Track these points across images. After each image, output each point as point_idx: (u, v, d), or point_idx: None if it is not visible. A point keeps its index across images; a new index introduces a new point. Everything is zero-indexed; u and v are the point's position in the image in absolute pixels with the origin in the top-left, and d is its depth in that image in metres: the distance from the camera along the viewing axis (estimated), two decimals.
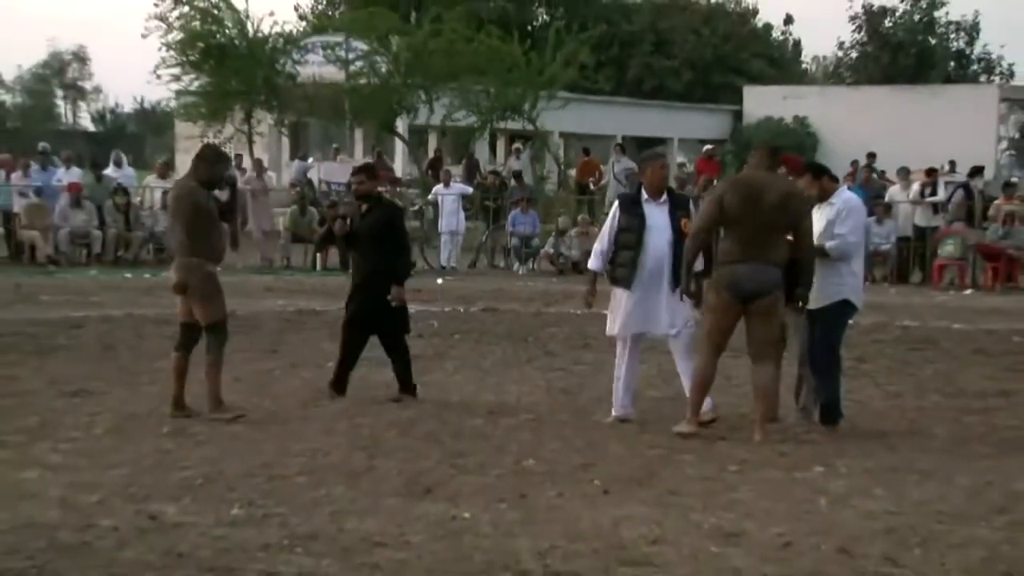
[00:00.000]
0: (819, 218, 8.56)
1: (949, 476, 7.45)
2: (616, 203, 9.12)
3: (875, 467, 7.63)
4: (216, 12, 27.42)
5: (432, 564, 5.58)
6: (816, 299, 8.48)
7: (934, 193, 21.22)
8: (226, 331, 8.80)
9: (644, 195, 8.84)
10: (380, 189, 10.54)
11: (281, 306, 15.40)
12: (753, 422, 8.45)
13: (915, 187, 21.41)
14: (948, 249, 20.33)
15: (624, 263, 8.75)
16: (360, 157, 34.99)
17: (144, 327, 13.10)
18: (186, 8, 27.24)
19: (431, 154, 33.36)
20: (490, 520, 6.29)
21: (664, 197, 8.82)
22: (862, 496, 6.92)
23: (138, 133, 73.00)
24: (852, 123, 36.48)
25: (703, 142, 35.38)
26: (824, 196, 8.68)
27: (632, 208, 8.80)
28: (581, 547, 5.86)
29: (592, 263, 9.21)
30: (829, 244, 8.47)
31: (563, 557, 5.71)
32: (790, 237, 8.28)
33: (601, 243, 9.03)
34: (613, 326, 8.99)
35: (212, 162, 8.87)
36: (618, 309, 8.90)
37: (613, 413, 8.92)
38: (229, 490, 6.76)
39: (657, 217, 8.72)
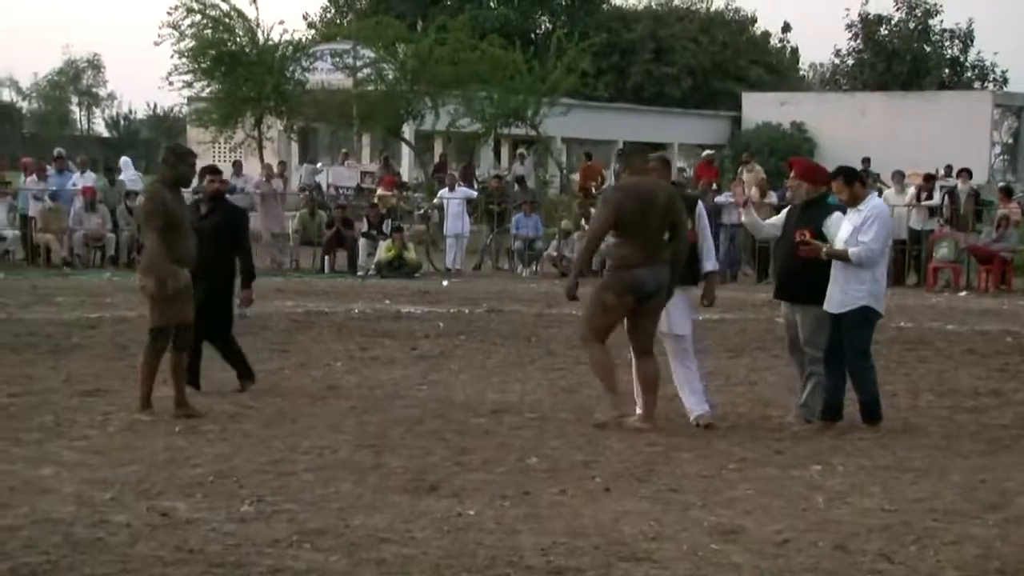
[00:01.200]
0: (847, 224, 8.62)
1: (943, 474, 7.55)
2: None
3: (871, 465, 7.73)
4: (227, 20, 27.56)
5: (437, 559, 5.66)
6: (839, 304, 8.58)
7: (930, 197, 21.34)
8: (164, 339, 8.81)
9: None
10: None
11: (290, 307, 15.52)
12: (642, 415, 8.71)
13: (911, 191, 21.55)
14: (943, 252, 20.46)
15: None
16: (367, 162, 35.21)
17: None
18: (198, 16, 27.38)
19: (436, 159, 33.50)
20: (494, 516, 6.38)
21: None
22: (858, 494, 7.01)
23: (151, 139, 73.16)
24: (848, 129, 36.61)
25: (702, 147, 35.49)
26: (854, 202, 8.69)
27: None
28: (583, 543, 5.94)
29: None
30: (852, 251, 8.49)
31: (565, 553, 5.79)
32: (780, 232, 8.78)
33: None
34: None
35: (172, 163, 8.90)
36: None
37: (692, 415, 8.85)
38: (239, 487, 6.87)
39: None
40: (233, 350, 9.85)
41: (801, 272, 8.69)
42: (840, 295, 8.57)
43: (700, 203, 9.05)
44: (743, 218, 9.81)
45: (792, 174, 9.06)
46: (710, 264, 8.97)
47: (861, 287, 8.55)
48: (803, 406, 8.99)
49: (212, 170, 10.14)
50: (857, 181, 8.79)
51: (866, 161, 25.55)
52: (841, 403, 8.78)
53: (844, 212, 8.77)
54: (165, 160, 8.98)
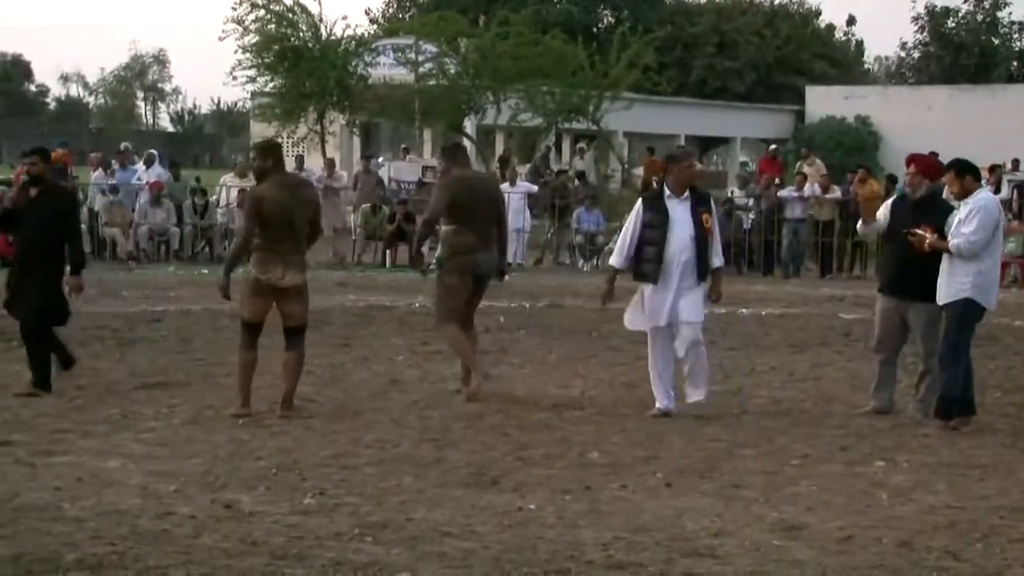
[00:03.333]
0: (954, 216, 8.63)
1: (1010, 471, 7.47)
2: (639, 201, 9.29)
3: (936, 462, 7.66)
4: (291, 16, 27.73)
5: (498, 553, 5.67)
6: (944, 296, 8.62)
7: (997, 191, 21.04)
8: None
9: (667, 192, 9.05)
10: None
11: (352, 301, 15.62)
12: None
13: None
14: (1010, 247, 20.16)
15: (650, 258, 8.92)
16: (429, 157, 35.33)
17: (220, 321, 13.35)
18: (262, 12, 27.58)
19: (499, 154, 33.51)
20: (555, 511, 6.39)
21: (687, 194, 9.01)
22: (923, 491, 6.95)
23: (215, 133, 73.97)
24: (913, 123, 36.14)
25: (765, 142, 35.27)
26: (964, 195, 8.69)
27: (656, 205, 9.00)
28: (644, 539, 5.93)
29: (614, 260, 9.35)
30: (952, 242, 8.49)
31: (626, 548, 5.78)
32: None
33: (623, 241, 9.12)
34: (635, 320, 9.23)
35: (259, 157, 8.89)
36: (642, 303, 9.09)
37: (656, 406, 9.04)
38: (302, 480, 6.92)
39: (679, 213, 8.92)
40: (42, 354, 9.37)
41: (915, 269, 8.74)
42: (945, 287, 8.61)
43: (711, 199, 9.35)
44: (860, 229, 10.12)
45: (911, 169, 9.08)
46: (717, 260, 9.10)
47: (965, 280, 8.53)
48: (921, 400, 9.01)
49: (34, 151, 9.68)
50: (969, 175, 8.76)
51: (933, 155, 25.23)
52: (971, 397, 8.72)
53: None
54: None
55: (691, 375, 9.09)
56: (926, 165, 9.22)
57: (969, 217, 8.53)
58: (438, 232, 10.03)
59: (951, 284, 8.57)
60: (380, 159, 30.74)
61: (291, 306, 8.70)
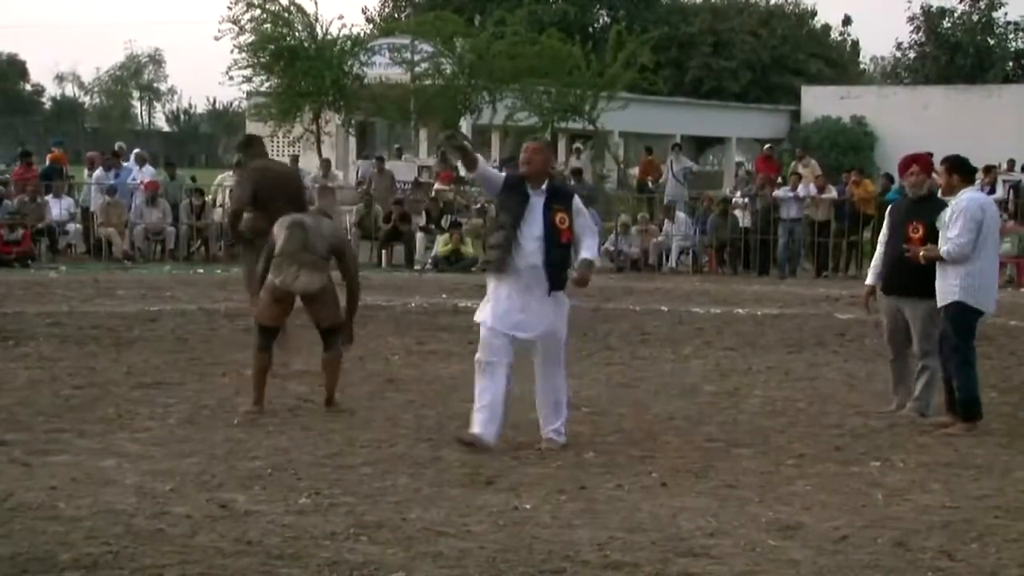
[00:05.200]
0: (945, 213, 8.67)
1: (1006, 471, 7.47)
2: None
3: (931, 462, 7.67)
4: (287, 15, 27.74)
5: (493, 553, 5.67)
6: (939, 298, 8.65)
7: (992, 191, 21.08)
8: None
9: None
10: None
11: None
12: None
13: (976, 185, 21.27)
14: (1005, 247, 20.17)
15: (498, 243, 7.71)
16: (425, 156, 35.30)
17: (216, 321, 13.37)
18: (258, 11, 27.59)
19: (494, 153, 33.52)
20: (550, 511, 6.39)
21: (543, 186, 7.78)
22: (919, 490, 6.95)
23: (211, 133, 73.98)
24: (910, 122, 36.19)
25: (761, 142, 35.29)
26: (949, 191, 8.75)
27: (518, 187, 7.75)
28: (639, 538, 5.93)
29: None
30: (943, 249, 8.52)
31: (622, 548, 5.78)
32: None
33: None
34: (481, 314, 7.88)
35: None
36: (489, 300, 7.81)
37: (471, 429, 7.81)
38: (298, 479, 6.92)
39: (534, 206, 7.70)
40: None
41: (909, 266, 8.76)
42: (940, 290, 8.65)
43: (576, 197, 7.98)
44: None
45: (915, 168, 9.10)
46: (588, 253, 7.80)
47: (955, 282, 8.54)
48: (917, 399, 9.04)
49: None
50: (957, 173, 8.77)
51: (928, 156, 25.26)
52: (975, 398, 8.73)
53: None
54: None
55: (543, 404, 7.90)
56: (927, 163, 9.33)
57: (953, 220, 8.54)
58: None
59: (943, 287, 8.61)
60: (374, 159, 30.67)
61: (314, 310, 8.86)
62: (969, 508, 6.60)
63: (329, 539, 5.84)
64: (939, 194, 9.07)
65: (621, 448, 7.91)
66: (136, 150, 25.25)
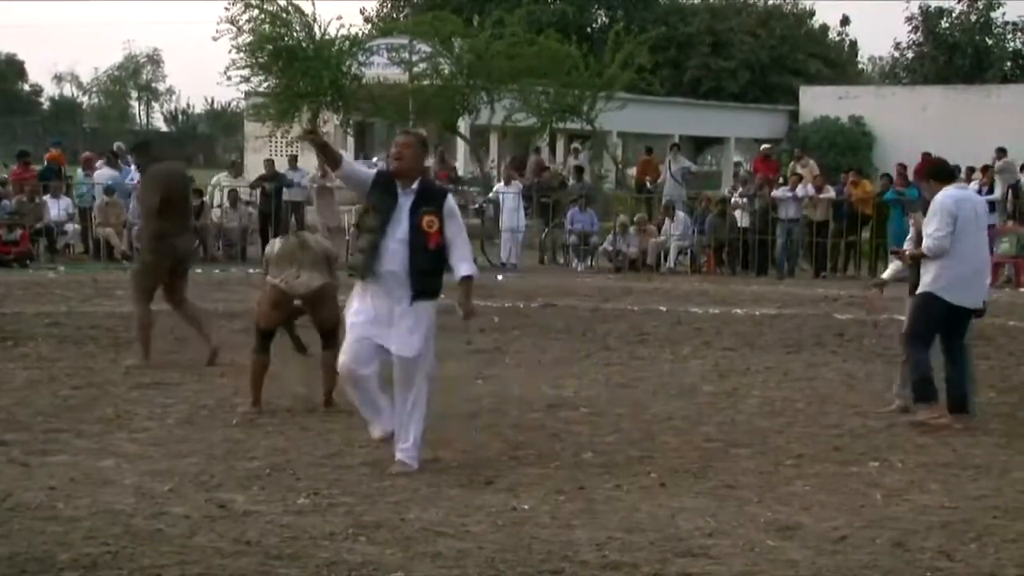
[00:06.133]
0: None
1: (1004, 471, 7.48)
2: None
3: (930, 462, 7.67)
4: (285, 15, 27.74)
5: (492, 553, 5.67)
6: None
7: (991, 191, 21.09)
8: None
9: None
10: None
11: (345, 302, 15.56)
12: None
13: (973, 185, 21.29)
14: (1004, 247, 20.20)
15: (363, 248, 7.21)
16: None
17: (215, 321, 13.31)
18: (256, 12, 27.58)
19: (491, 154, 33.56)
20: (549, 511, 6.38)
21: (414, 185, 7.20)
22: (917, 490, 6.96)
23: (209, 133, 73.97)
24: (908, 123, 36.25)
25: (759, 142, 35.30)
26: (931, 195, 8.96)
27: (388, 187, 7.20)
28: (638, 538, 5.93)
29: None
30: (924, 245, 8.80)
31: (620, 548, 5.78)
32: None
33: None
34: (347, 318, 7.46)
35: None
36: (353, 303, 7.35)
37: (374, 432, 7.40)
38: (296, 480, 6.92)
39: (402, 206, 7.15)
40: None
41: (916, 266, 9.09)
42: (919, 280, 8.97)
43: (449, 198, 7.35)
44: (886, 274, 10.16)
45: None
46: (465, 268, 7.22)
47: (928, 275, 8.81)
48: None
49: None
50: (932, 178, 9.06)
51: (926, 156, 25.26)
52: (964, 395, 8.84)
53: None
54: None
55: (400, 420, 7.25)
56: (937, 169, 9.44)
57: (930, 218, 8.79)
58: None
59: (921, 278, 8.89)
60: (375, 159, 30.71)
61: (315, 311, 8.90)
62: (967, 508, 6.60)
63: (328, 539, 5.83)
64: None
65: (620, 448, 7.92)
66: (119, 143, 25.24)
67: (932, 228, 8.71)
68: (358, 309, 7.22)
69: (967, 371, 8.99)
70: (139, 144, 11.63)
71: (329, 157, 7.21)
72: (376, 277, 7.11)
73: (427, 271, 7.09)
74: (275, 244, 9.03)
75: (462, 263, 7.21)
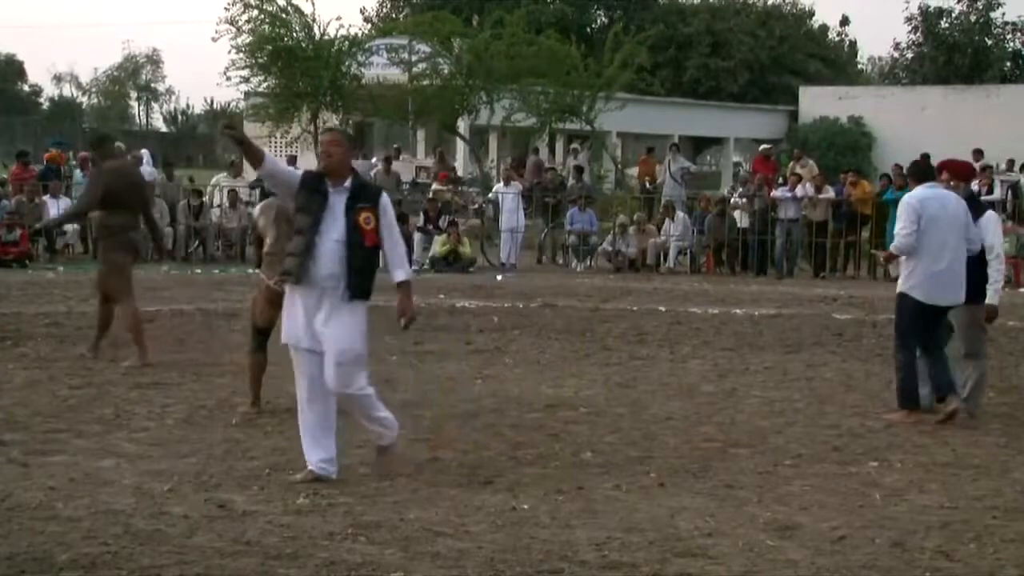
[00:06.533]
0: None
1: (1004, 471, 7.49)
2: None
3: (929, 462, 7.68)
4: (284, 16, 27.76)
5: (492, 553, 5.67)
6: None
7: (990, 192, 21.09)
8: None
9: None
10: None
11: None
12: None
13: (974, 186, 21.28)
14: (1004, 247, 20.17)
15: (294, 251, 6.91)
16: (422, 156, 35.33)
17: (214, 321, 13.36)
18: (255, 12, 27.60)
19: (491, 154, 33.58)
20: (548, 511, 6.39)
21: (346, 183, 6.98)
22: (916, 491, 6.96)
23: (209, 133, 73.98)
24: (907, 123, 36.27)
25: (759, 142, 35.32)
26: None
27: (316, 185, 6.97)
28: (637, 538, 5.93)
29: None
30: (892, 245, 9.09)
31: (619, 548, 5.78)
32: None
33: None
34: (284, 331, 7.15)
35: None
36: (286, 315, 7.08)
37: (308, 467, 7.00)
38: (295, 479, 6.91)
39: (335, 205, 6.91)
40: None
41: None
42: None
43: (384, 196, 7.07)
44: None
45: (944, 176, 9.40)
46: (401, 273, 7.03)
47: (901, 275, 9.11)
48: (967, 400, 9.18)
49: None
50: (911, 178, 9.37)
51: (925, 157, 25.29)
52: (913, 389, 8.93)
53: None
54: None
55: (323, 426, 7.03)
56: (957, 169, 9.61)
57: (898, 218, 9.04)
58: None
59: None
60: (374, 159, 30.74)
61: None
62: (967, 508, 6.61)
63: (327, 539, 5.84)
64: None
65: (619, 448, 7.92)
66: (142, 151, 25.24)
67: (898, 227, 8.95)
68: (289, 320, 6.96)
69: (946, 362, 9.04)
70: (97, 139, 11.90)
71: (250, 154, 6.94)
72: (310, 280, 6.82)
73: (364, 269, 6.87)
74: (269, 218, 8.81)
75: (398, 269, 7.01)
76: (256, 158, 6.88)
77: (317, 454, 6.95)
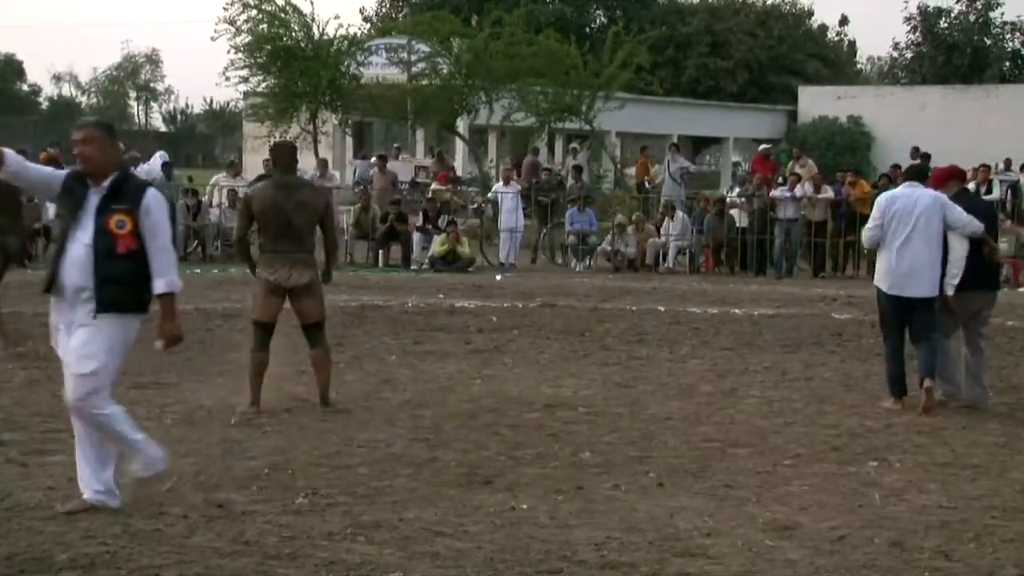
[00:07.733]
0: None
1: (1003, 471, 7.49)
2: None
3: (928, 462, 7.68)
4: (283, 15, 27.77)
5: (491, 553, 5.68)
6: None
7: (989, 191, 21.10)
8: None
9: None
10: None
11: (345, 301, 15.60)
12: None
13: (971, 186, 21.29)
14: (1002, 247, 20.17)
15: (51, 257, 6.30)
16: (421, 156, 35.34)
17: (213, 321, 13.35)
18: (254, 12, 27.61)
19: (490, 154, 33.58)
20: (547, 511, 6.39)
21: (107, 182, 6.20)
22: (915, 490, 6.96)
23: (208, 133, 74.09)
24: (906, 123, 36.29)
25: (758, 142, 35.35)
26: None
27: (75, 186, 6.24)
28: (636, 538, 5.94)
29: None
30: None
31: (619, 548, 5.79)
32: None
33: None
34: None
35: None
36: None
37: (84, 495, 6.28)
38: (294, 479, 6.92)
39: (89, 207, 6.17)
40: None
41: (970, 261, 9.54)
42: None
43: (149, 194, 6.29)
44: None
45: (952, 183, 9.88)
46: (161, 284, 6.20)
47: (876, 269, 9.69)
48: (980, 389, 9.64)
49: None
50: (904, 177, 10.01)
51: (926, 157, 25.28)
52: (899, 378, 9.46)
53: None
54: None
55: (118, 446, 6.39)
56: (936, 177, 9.96)
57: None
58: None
59: None
60: (374, 159, 30.74)
61: (303, 304, 8.88)
62: (966, 508, 6.61)
63: (326, 539, 5.84)
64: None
65: (618, 448, 7.92)
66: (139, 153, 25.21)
67: (868, 224, 9.57)
68: (53, 336, 6.34)
69: (934, 348, 9.31)
70: None
71: None
72: (60, 290, 6.13)
73: (114, 279, 6.06)
74: (264, 199, 8.84)
75: (158, 278, 6.16)
76: None
77: (94, 484, 6.24)
